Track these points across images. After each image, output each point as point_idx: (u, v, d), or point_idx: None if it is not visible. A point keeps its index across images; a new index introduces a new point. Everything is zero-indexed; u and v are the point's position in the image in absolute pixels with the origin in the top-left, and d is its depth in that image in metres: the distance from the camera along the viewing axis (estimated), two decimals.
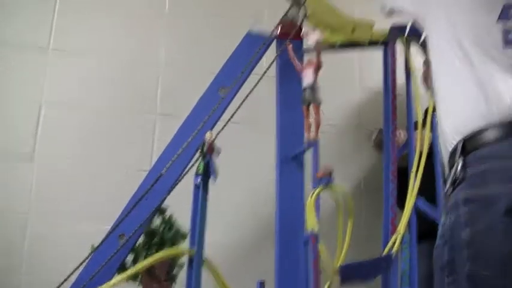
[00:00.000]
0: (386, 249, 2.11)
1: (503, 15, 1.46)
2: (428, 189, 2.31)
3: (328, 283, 2.00)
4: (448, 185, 1.39)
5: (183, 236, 2.22)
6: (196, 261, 1.86)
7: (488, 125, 1.36)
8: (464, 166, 1.37)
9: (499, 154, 1.32)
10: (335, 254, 2.10)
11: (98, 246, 2.12)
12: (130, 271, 1.85)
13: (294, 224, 2.15)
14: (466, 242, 1.30)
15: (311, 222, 1.97)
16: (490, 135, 1.35)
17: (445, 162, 1.52)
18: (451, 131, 1.45)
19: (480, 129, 1.37)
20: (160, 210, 2.21)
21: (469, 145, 1.38)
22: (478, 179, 1.33)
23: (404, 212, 2.18)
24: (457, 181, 1.36)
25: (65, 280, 2.17)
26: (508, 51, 1.42)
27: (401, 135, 2.58)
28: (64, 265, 2.26)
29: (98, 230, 2.32)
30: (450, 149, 1.46)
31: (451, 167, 1.42)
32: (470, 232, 1.29)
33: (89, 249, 2.15)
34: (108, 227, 2.16)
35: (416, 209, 2.24)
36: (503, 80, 1.39)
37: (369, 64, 3.20)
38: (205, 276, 1.91)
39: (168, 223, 2.22)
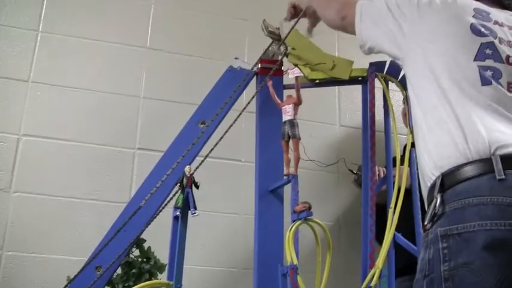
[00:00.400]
0: (364, 283, 2.11)
1: (479, 56, 1.50)
2: (406, 225, 2.32)
3: None
4: (427, 220, 1.40)
5: (161, 268, 2.20)
6: None
7: (466, 161, 1.39)
8: (442, 202, 1.39)
9: (476, 190, 1.34)
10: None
11: (74, 278, 2.09)
12: None
13: (273, 257, 2.15)
14: (445, 277, 1.31)
15: (290, 255, 1.98)
16: (468, 171, 1.37)
17: (424, 197, 1.54)
18: (430, 166, 1.47)
19: (458, 166, 1.39)
20: (138, 242, 2.19)
21: (447, 181, 1.40)
22: (456, 215, 1.35)
23: (383, 246, 2.18)
24: (436, 216, 1.38)
25: None
26: (485, 90, 1.46)
27: (380, 172, 2.60)
28: None
29: (75, 261, 2.31)
30: (429, 184, 1.48)
31: (429, 202, 1.44)
32: (449, 267, 1.30)
33: (65, 281, 2.13)
34: (85, 259, 2.15)
35: (394, 244, 2.25)
36: (480, 118, 1.42)
37: (348, 101, 3.25)
38: None
39: (146, 255, 2.20)
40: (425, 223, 1.40)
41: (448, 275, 1.30)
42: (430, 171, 1.47)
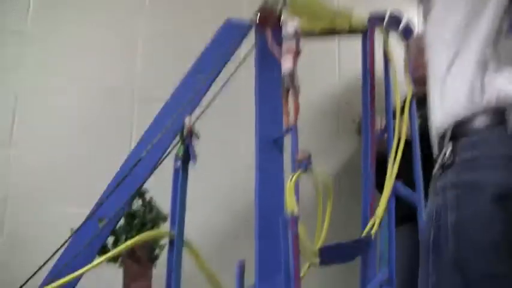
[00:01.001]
0: (364, 232, 2.12)
1: None
2: (407, 174, 2.33)
3: (308, 264, 2.02)
4: (436, 168, 1.40)
5: (164, 219, 2.23)
6: (177, 243, 1.86)
7: (480, 111, 1.37)
8: (453, 151, 1.38)
9: (488, 141, 1.33)
10: (315, 237, 2.12)
11: (77, 230, 2.11)
12: (111, 253, 1.85)
13: (274, 207, 2.15)
14: (451, 227, 1.31)
15: (291, 205, 1.98)
16: (481, 121, 1.36)
17: (434, 143, 1.53)
18: (442, 113, 1.45)
19: (472, 115, 1.38)
20: (140, 193, 2.21)
21: (459, 130, 1.39)
22: (467, 165, 1.34)
23: (383, 195, 2.19)
24: (446, 165, 1.38)
25: (45, 263, 2.17)
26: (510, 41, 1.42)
27: (382, 121, 2.59)
28: (44, 249, 2.25)
29: (77, 213, 2.32)
30: (440, 131, 1.47)
31: (439, 150, 1.44)
32: (456, 217, 1.31)
33: (68, 233, 2.15)
34: (88, 211, 2.17)
35: (395, 193, 2.26)
36: (499, 68, 1.40)
37: (348, 52, 3.23)
38: (186, 257, 1.92)
39: (148, 206, 2.22)
40: (434, 171, 1.40)
41: (455, 225, 1.31)
42: (441, 117, 1.45)
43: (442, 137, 1.45)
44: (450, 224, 1.32)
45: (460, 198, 1.32)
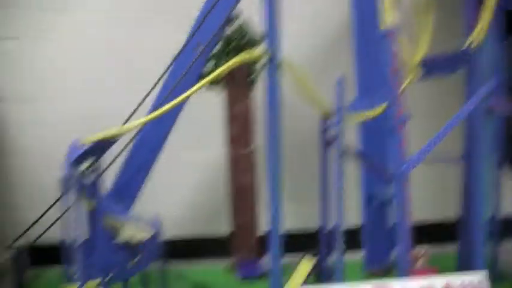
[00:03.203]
0: (468, 42, 2.04)
1: None
2: None
3: (409, 77, 1.99)
4: None
5: (259, 41, 2.22)
6: (273, 63, 1.85)
7: None
8: None
9: None
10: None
11: (178, 56, 2.15)
12: (211, 76, 1.87)
13: (372, 20, 2.10)
14: None
15: (390, 16, 1.91)
16: None
17: None
18: None
19: None
20: (233, 18, 2.20)
21: None
22: None
23: (487, 4, 2.07)
24: None
25: (151, 90, 2.24)
26: None
27: None
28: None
29: (174, 39, 2.35)
30: None
31: None
32: None
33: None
34: (184, 37, 2.19)
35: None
36: None
37: None
38: (285, 80, 1.92)
39: (243, 30, 2.22)
40: None
41: None
42: None
43: None
44: None
45: None
